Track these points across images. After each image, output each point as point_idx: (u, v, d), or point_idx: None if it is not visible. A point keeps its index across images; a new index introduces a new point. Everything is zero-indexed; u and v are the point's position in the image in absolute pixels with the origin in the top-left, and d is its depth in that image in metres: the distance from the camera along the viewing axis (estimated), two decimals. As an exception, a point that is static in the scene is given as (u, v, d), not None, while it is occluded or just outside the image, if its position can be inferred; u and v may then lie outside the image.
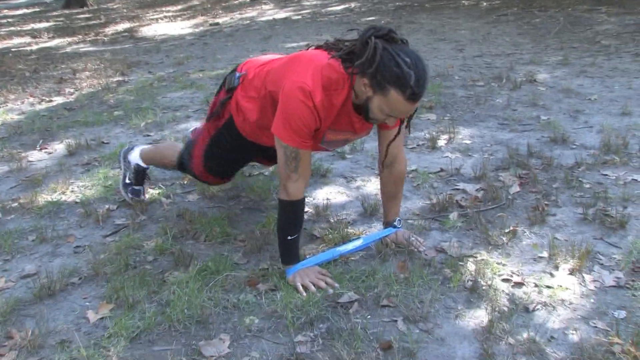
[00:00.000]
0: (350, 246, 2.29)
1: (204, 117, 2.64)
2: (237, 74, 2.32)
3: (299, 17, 10.06)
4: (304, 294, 2.04)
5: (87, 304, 2.08)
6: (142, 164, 2.82)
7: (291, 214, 2.12)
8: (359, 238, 2.36)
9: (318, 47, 2.13)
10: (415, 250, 2.28)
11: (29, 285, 2.21)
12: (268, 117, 2.15)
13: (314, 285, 2.07)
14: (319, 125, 2.03)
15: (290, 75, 2.00)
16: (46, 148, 3.88)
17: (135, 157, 2.83)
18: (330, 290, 2.05)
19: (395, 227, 2.38)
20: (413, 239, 2.33)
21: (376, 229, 2.50)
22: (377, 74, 1.82)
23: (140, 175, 2.85)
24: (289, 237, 2.12)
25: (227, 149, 2.43)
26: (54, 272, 2.26)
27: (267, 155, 2.58)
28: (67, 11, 14.12)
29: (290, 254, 2.16)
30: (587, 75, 4.83)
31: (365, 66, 1.84)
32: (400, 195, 2.41)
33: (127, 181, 2.86)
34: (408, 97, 1.81)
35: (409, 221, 2.56)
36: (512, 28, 7.28)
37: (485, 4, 9.42)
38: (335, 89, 1.97)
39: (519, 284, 2.05)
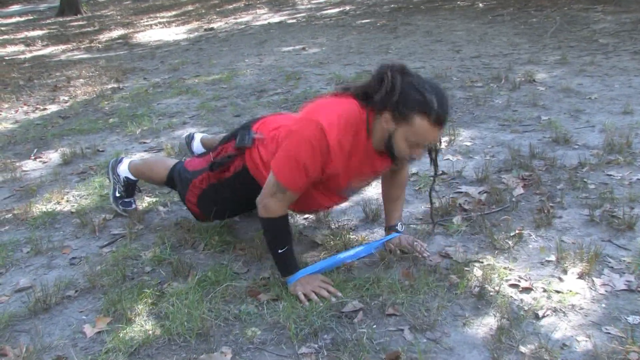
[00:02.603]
0: (351, 252, 2.24)
1: (191, 156, 2.59)
2: (251, 134, 2.23)
3: (294, 20, 10.03)
4: (306, 303, 1.99)
5: (84, 317, 2.03)
6: (132, 177, 2.77)
7: (274, 231, 2.06)
8: (360, 244, 2.31)
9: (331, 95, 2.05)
10: (419, 255, 2.22)
11: (24, 299, 2.14)
12: None
13: (315, 294, 2.01)
14: (324, 169, 1.94)
15: (306, 114, 1.93)
16: (41, 157, 3.83)
17: (124, 170, 2.77)
18: (333, 299, 1.99)
19: (397, 231, 2.33)
20: (417, 243, 2.28)
21: (379, 235, 2.45)
22: (400, 104, 1.82)
23: (130, 188, 2.81)
24: (280, 251, 2.06)
25: (226, 198, 2.34)
26: (49, 285, 2.20)
27: None
28: (61, 19, 14.07)
29: (286, 265, 2.09)
30: (586, 74, 4.79)
31: (386, 99, 1.83)
32: (402, 198, 2.36)
33: (117, 194, 2.81)
34: (434, 121, 1.81)
35: (412, 226, 2.51)
36: (509, 28, 7.24)
37: (480, 4, 9.39)
38: (354, 131, 1.91)
39: (527, 289, 2.00)
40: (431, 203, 2.35)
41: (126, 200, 2.81)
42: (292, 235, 2.12)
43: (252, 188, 2.17)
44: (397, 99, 1.82)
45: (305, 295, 2.01)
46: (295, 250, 2.14)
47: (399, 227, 2.33)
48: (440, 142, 2.04)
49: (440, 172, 2.16)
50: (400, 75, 1.85)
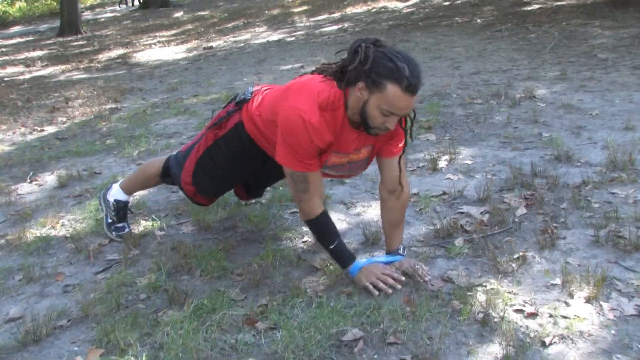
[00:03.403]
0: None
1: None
2: (250, 89, 2.36)
3: (293, 38, 10.04)
4: (376, 293, 2.07)
5: (76, 349, 1.96)
6: (122, 198, 2.76)
7: (318, 229, 2.18)
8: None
9: (313, 72, 2.16)
10: (421, 280, 2.17)
11: (13, 330, 2.08)
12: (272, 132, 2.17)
13: (383, 283, 2.10)
14: (323, 145, 2.01)
15: (284, 102, 2.01)
16: (37, 180, 3.78)
17: (113, 194, 2.76)
18: (399, 287, 2.10)
19: (400, 255, 2.28)
20: (418, 267, 2.22)
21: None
22: (372, 72, 1.85)
23: (121, 212, 2.78)
24: (331, 247, 2.15)
25: (220, 164, 2.40)
26: (40, 315, 2.13)
27: (254, 182, 2.66)
28: (61, 39, 14.10)
29: (341, 258, 2.18)
30: (586, 89, 4.75)
31: (359, 68, 1.88)
32: (403, 222, 2.32)
33: (109, 220, 2.78)
34: (405, 88, 1.83)
35: (413, 249, 2.46)
36: (507, 44, 7.23)
37: (479, 20, 9.40)
38: (332, 108, 1.98)
39: (532, 315, 1.94)
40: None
41: (118, 225, 2.77)
42: (337, 230, 2.19)
43: (246, 147, 2.30)
44: (370, 67, 1.86)
45: (373, 285, 2.09)
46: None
47: (401, 252, 2.28)
48: (414, 113, 2.07)
49: (412, 140, 2.20)
50: (373, 46, 1.90)
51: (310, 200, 2.09)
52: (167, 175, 2.59)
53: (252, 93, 2.32)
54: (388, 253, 2.32)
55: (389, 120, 1.93)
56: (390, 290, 2.08)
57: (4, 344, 2.00)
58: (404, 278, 2.14)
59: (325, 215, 2.15)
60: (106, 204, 2.77)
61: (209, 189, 2.49)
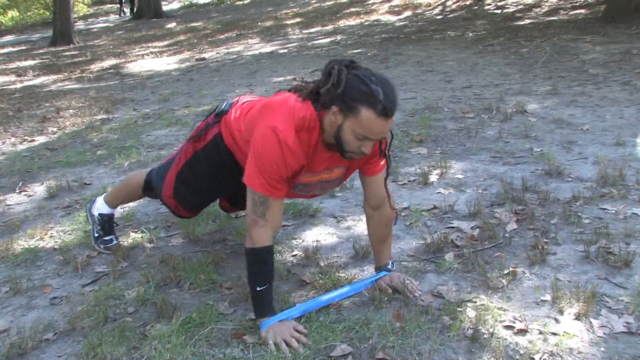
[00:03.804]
0: (335, 294, 2.17)
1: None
2: (229, 100, 2.32)
3: (285, 50, 10.07)
4: (274, 351, 1.89)
5: (62, 363, 1.94)
6: (105, 211, 2.74)
7: (257, 263, 2.01)
8: (347, 284, 2.25)
9: (290, 90, 2.09)
10: (411, 295, 2.16)
11: (-1, 343, 2.06)
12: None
13: (286, 344, 1.91)
14: (296, 167, 1.96)
15: (260, 121, 1.96)
16: (26, 190, 3.75)
17: (98, 207, 2.75)
18: (301, 351, 1.88)
19: (389, 270, 2.26)
20: (408, 282, 2.21)
21: (368, 273, 2.38)
22: (345, 96, 1.81)
23: (107, 225, 2.77)
24: (258, 288, 2.00)
25: (200, 176, 2.36)
26: (26, 328, 2.11)
27: (236, 194, 2.58)
28: (53, 49, 14.09)
29: (261, 306, 2.02)
30: (577, 104, 4.79)
31: (333, 92, 1.83)
32: (390, 237, 2.30)
33: (96, 234, 2.77)
34: (380, 113, 1.79)
35: (403, 263, 2.45)
36: (499, 58, 7.29)
37: (471, 34, 9.47)
38: (308, 128, 1.93)
39: (522, 331, 1.93)
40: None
41: (105, 238, 2.75)
42: (273, 274, 2.05)
43: (224, 159, 2.26)
44: (343, 90, 1.81)
45: (275, 344, 1.92)
46: (274, 292, 2.07)
47: (390, 266, 2.27)
48: (392, 135, 2.02)
49: (390, 162, 2.14)
50: (346, 68, 1.86)
51: (263, 227, 1.97)
52: (149, 189, 2.58)
53: (230, 105, 2.29)
54: (377, 268, 2.31)
55: (364, 145, 1.88)
56: (290, 355, 1.87)
57: (-12, 358, 1.98)
58: (307, 341, 1.94)
59: (270, 251, 2.02)
60: (92, 218, 2.77)
61: (191, 201, 2.46)
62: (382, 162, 2.13)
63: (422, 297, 2.16)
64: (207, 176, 2.36)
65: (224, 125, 2.25)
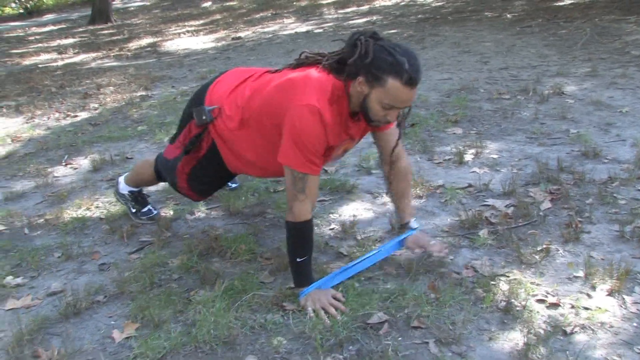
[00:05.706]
0: (368, 256, 2.24)
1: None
2: (206, 108, 2.26)
3: (321, 30, 10.07)
4: (313, 317, 1.97)
5: (113, 323, 2.06)
6: (133, 187, 2.84)
7: (298, 236, 2.08)
8: (373, 250, 2.32)
9: (297, 66, 2.14)
10: (438, 254, 2.23)
11: (55, 303, 2.19)
12: (268, 158, 2.16)
13: (325, 311, 2.00)
14: (333, 142, 2.02)
15: (292, 101, 1.97)
16: (71, 163, 3.90)
17: (124, 187, 2.86)
18: (339, 317, 1.96)
19: (412, 228, 2.32)
20: (434, 242, 2.27)
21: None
22: (372, 67, 1.87)
23: (139, 198, 2.87)
24: (298, 259, 2.08)
25: (210, 176, 2.44)
26: (79, 290, 2.24)
27: None
28: (92, 27, 14.33)
29: (301, 276, 2.10)
30: (617, 86, 4.73)
31: (359, 63, 1.88)
32: (409, 192, 2.36)
33: (133, 210, 2.87)
34: (405, 82, 1.85)
35: (438, 238, 2.50)
36: (537, 39, 7.18)
37: (509, 15, 9.33)
38: (338, 100, 1.98)
39: (554, 305, 1.98)
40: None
41: (143, 210, 2.87)
42: (312, 246, 2.13)
43: (224, 164, 2.32)
44: (370, 61, 1.86)
45: (314, 311, 2.00)
46: (313, 262, 2.15)
47: (413, 224, 2.32)
48: (410, 109, 2.09)
49: (404, 130, 2.22)
50: (372, 39, 1.91)
51: (303, 201, 2.01)
52: (162, 179, 2.65)
53: (211, 113, 2.25)
54: (401, 227, 2.36)
55: (390, 113, 1.95)
56: (328, 322, 1.94)
57: (47, 315, 2.11)
58: (348, 310, 2.00)
59: (310, 225, 2.07)
60: (122, 198, 2.88)
61: (209, 191, 2.57)
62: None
63: (447, 255, 2.25)
64: (219, 173, 2.43)
65: (216, 135, 2.27)
